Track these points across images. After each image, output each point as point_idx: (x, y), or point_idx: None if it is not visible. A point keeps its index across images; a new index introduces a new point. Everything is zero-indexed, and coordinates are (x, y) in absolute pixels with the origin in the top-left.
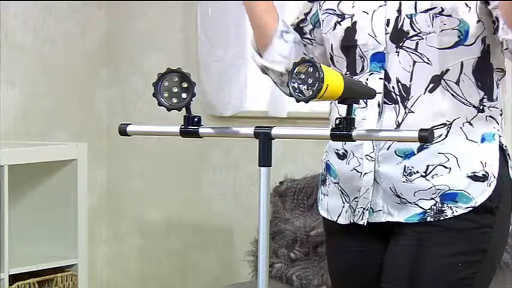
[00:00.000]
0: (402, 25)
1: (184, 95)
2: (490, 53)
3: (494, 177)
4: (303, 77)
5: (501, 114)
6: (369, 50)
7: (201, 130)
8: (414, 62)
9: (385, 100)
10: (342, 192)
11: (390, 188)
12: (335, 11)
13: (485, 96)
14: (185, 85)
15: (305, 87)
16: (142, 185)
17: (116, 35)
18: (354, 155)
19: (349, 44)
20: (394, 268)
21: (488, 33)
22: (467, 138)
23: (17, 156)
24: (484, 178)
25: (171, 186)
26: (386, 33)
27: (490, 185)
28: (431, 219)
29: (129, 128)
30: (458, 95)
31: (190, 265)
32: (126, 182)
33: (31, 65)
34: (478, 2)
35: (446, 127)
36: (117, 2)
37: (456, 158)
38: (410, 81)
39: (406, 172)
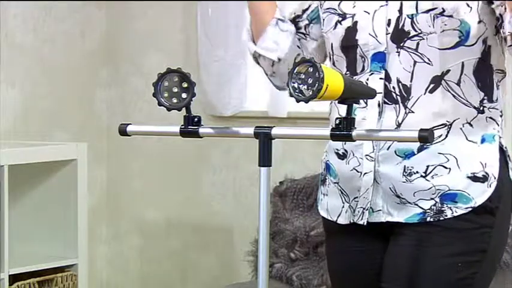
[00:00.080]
0: (403, 25)
1: (184, 95)
2: (491, 54)
3: (495, 178)
4: (303, 77)
5: (501, 116)
6: (370, 50)
7: (201, 130)
8: (415, 62)
9: (386, 100)
10: (342, 192)
11: (390, 188)
12: (336, 10)
13: (486, 97)
14: (185, 85)
15: (305, 87)
16: (142, 185)
17: (116, 35)
18: (353, 154)
19: (349, 44)
20: (393, 268)
21: (490, 34)
22: (467, 138)
23: (17, 156)
24: (484, 179)
25: (171, 186)
26: (387, 33)
27: (490, 186)
28: (431, 220)
29: (129, 128)
30: (458, 95)
31: (190, 265)
32: (126, 182)
33: (31, 65)
34: (480, 2)
35: (446, 127)
36: (117, 2)
37: (456, 158)
38: (411, 81)
39: (406, 172)
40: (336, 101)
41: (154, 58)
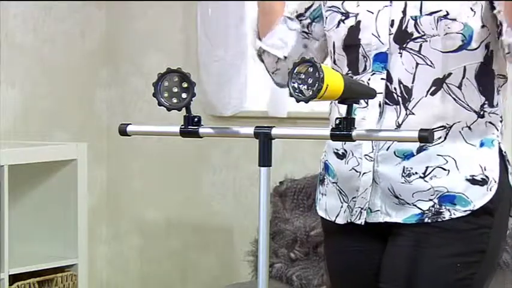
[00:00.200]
0: (406, 26)
1: (184, 95)
2: (493, 59)
3: (495, 182)
4: (303, 77)
5: (501, 121)
6: (372, 50)
7: (201, 130)
8: (417, 64)
9: (386, 101)
10: (340, 192)
11: (389, 189)
12: (339, 9)
13: (486, 102)
14: (185, 85)
15: (305, 87)
16: (142, 185)
17: (116, 35)
18: (353, 154)
19: (352, 43)
20: (392, 268)
21: (492, 39)
22: (466, 141)
23: (17, 156)
24: (483, 182)
25: (171, 186)
26: (390, 34)
27: (490, 190)
28: (429, 221)
29: (129, 128)
30: (459, 99)
31: (190, 265)
32: (126, 182)
33: (31, 65)
34: (483, 7)
35: (445, 130)
36: (117, 2)
37: (455, 160)
38: (413, 82)
39: (405, 173)
40: (336, 101)
41: (154, 58)
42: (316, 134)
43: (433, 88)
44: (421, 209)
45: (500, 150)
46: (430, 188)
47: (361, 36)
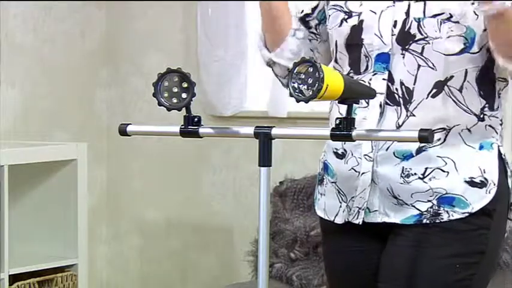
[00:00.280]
0: (409, 28)
1: (184, 95)
2: (494, 62)
3: (494, 184)
4: (303, 77)
5: (501, 124)
6: (374, 50)
7: (201, 130)
8: (419, 65)
9: (387, 101)
10: (339, 192)
11: (387, 189)
12: (342, 8)
13: (487, 105)
14: (185, 85)
15: (305, 87)
16: (142, 185)
17: (116, 35)
18: (352, 154)
19: (354, 42)
20: (391, 268)
21: None
22: (465, 143)
23: (17, 156)
24: (482, 184)
25: (171, 186)
26: (392, 35)
27: (489, 192)
28: (427, 222)
29: (129, 128)
30: (460, 102)
31: (190, 265)
32: (126, 182)
33: (31, 65)
34: None
35: (445, 132)
36: (117, 2)
37: (454, 162)
38: (414, 84)
39: (404, 174)
40: (336, 101)
41: (154, 58)
42: (316, 134)
43: (434, 90)
44: (419, 210)
45: (500, 153)
46: (428, 189)
47: (363, 35)
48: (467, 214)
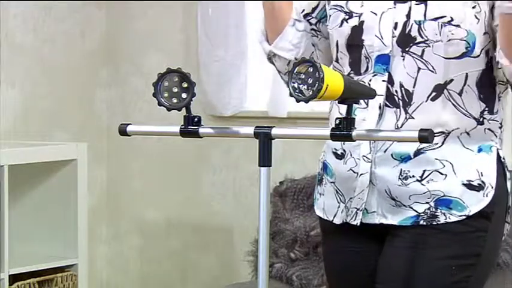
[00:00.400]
0: (410, 30)
1: (184, 95)
2: (494, 65)
3: (492, 187)
4: (303, 77)
5: (500, 128)
6: (374, 51)
7: (201, 130)
8: (419, 68)
9: (387, 103)
10: (337, 192)
11: (385, 191)
12: (343, 8)
13: (487, 109)
14: (185, 85)
15: (305, 87)
16: (142, 185)
17: (116, 35)
18: (351, 155)
19: (355, 43)
20: (388, 270)
21: (491, 46)
22: (464, 146)
23: (17, 156)
24: (479, 188)
25: (171, 186)
26: (393, 36)
27: (487, 195)
28: (424, 223)
29: (129, 128)
30: (459, 106)
31: (190, 265)
32: (126, 182)
33: (31, 65)
34: (487, 14)
35: (443, 135)
36: (117, 2)
37: (452, 165)
38: (414, 87)
39: (402, 176)
40: (336, 101)
41: (154, 58)
42: (316, 134)
43: (434, 94)
44: (416, 211)
45: (499, 156)
46: (426, 192)
47: (364, 36)
48: (464, 217)
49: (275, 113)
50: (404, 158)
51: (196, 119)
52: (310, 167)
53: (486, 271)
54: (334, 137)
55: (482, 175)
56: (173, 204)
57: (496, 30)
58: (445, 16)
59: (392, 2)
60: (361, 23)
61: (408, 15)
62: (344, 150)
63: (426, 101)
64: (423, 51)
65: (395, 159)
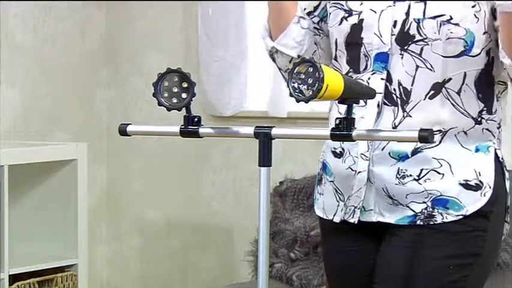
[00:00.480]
0: (409, 28)
1: (184, 95)
2: (494, 65)
3: (490, 187)
4: (303, 77)
5: (498, 128)
6: (373, 49)
7: (201, 130)
8: (417, 66)
9: (385, 101)
10: (336, 191)
11: (383, 189)
12: (343, 6)
13: (485, 109)
14: (185, 85)
15: (305, 87)
16: (142, 185)
17: (116, 35)
18: (349, 153)
19: (354, 41)
20: (386, 269)
21: (493, 46)
22: (461, 145)
23: (17, 156)
24: (477, 187)
25: (171, 186)
26: (392, 35)
27: (484, 195)
28: (421, 223)
29: (129, 128)
30: (458, 104)
31: (190, 265)
32: (126, 182)
33: (31, 65)
34: (486, 14)
35: (441, 134)
36: (117, 2)
37: (449, 164)
38: (412, 85)
39: (399, 174)
40: (336, 101)
41: (154, 58)
42: (316, 134)
43: (432, 92)
44: (414, 211)
45: (497, 156)
46: (423, 191)
47: (363, 34)
48: (461, 217)
49: (275, 113)
50: (402, 157)
51: (196, 119)
52: (310, 167)
53: (485, 271)
54: (334, 137)
55: (480, 175)
56: (173, 204)
57: (498, 30)
58: (444, 14)
59: (392, 0)
60: (361, 21)
61: (407, 13)
62: (343, 149)
63: (424, 100)
64: (422, 49)
65: (392, 157)
